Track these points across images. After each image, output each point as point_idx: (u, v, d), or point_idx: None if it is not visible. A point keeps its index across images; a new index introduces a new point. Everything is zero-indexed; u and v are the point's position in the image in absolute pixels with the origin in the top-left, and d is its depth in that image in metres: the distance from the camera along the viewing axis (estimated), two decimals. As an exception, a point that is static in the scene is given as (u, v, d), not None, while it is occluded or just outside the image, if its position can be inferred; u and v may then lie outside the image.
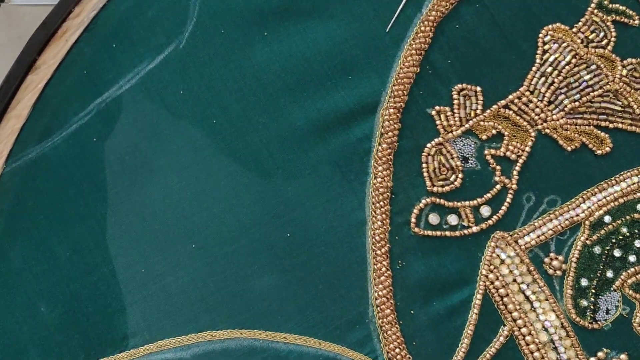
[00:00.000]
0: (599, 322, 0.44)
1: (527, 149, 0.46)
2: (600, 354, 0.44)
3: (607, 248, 0.45)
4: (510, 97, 0.46)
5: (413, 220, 0.45)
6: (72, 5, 0.48)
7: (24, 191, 0.46)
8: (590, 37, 0.47)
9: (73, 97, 0.47)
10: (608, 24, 0.47)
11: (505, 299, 0.45)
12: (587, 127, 0.46)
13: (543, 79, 0.46)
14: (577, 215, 0.45)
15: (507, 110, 0.46)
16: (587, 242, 0.45)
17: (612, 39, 0.47)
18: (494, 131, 0.46)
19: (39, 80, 0.47)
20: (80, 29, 0.48)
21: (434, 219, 0.45)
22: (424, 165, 0.46)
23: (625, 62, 0.47)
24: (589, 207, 0.45)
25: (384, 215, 0.45)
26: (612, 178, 0.46)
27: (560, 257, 0.45)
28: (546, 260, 0.45)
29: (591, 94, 0.46)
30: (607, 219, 0.45)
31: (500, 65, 0.46)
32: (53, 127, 0.47)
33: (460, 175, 0.45)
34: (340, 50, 0.46)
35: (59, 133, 0.47)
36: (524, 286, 0.45)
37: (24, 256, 0.45)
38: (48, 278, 0.45)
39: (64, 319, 0.44)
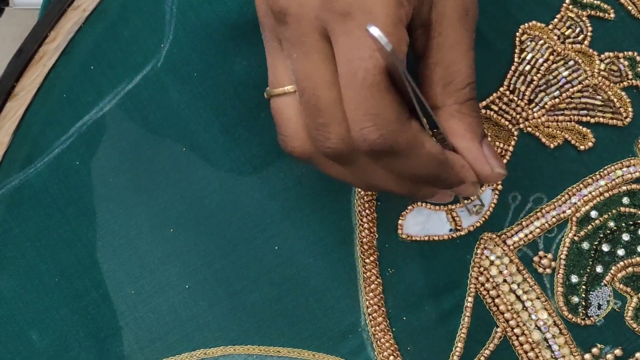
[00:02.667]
0: (591, 318, 0.44)
1: (511, 148, 0.46)
2: (594, 349, 0.44)
3: (596, 243, 0.45)
4: (491, 97, 0.46)
5: (400, 226, 0.45)
6: (48, 30, 0.48)
7: (9, 219, 0.46)
8: (567, 33, 0.47)
9: (53, 122, 0.47)
10: (584, 19, 0.47)
11: (496, 300, 0.45)
12: (568, 123, 0.46)
13: (522, 77, 0.46)
14: (564, 212, 0.45)
15: (488, 110, 0.46)
16: (575, 238, 0.45)
17: (589, 33, 0.47)
18: (476, 132, 0.46)
19: (18, 106, 0.47)
20: (57, 53, 0.48)
21: (421, 224, 0.45)
22: (409, 170, 0.46)
23: (602, 56, 0.47)
24: (575, 204, 0.45)
25: (370, 224, 0.45)
26: (597, 173, 0.46)
27: (549, 255, 0.45)
28: (535, 258, 0.45)
29: (570, 89, 0.46)
30: (593, 214, 0.45)
31: (478, 66, 0.46)
32: (35, 153, 0.46)
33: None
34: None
35: (42, 159, 0.46)
36: (514, 286, 0.45)
37: (12, 285, 0.45)
38: (38, 305, 0.45)
39: (56, 345, 0.44)
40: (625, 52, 0.47)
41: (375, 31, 0.31)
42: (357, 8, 0.34)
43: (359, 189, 0.45)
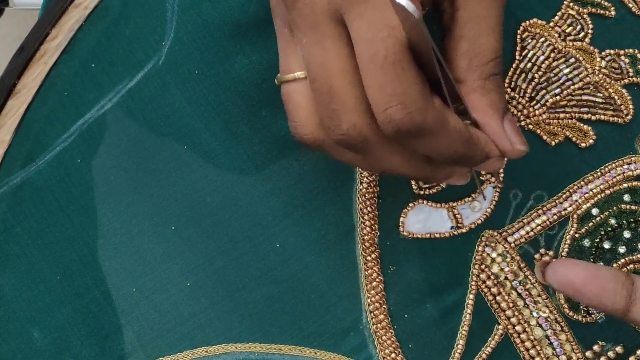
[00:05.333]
0: (592, 315, 0.45)
1: (512, 145, 0.46)
2: (595, 347, 0.44)
3: (597, 240, 0.45)
4: (492, 95, 0.46)
5: (401, 224, 0.45)
6: (49, 28, 0.48)
7: (10, 217, 0.46)
8: (568, 30, 0.47)
9: (55, 120, 0.47)
10: (584, 16, 0.47)
11: (497, 298, 0.45)
12: (569, 120, 0.46)
13: (523, 75, 0.46)
14: (565, 209, 0.45)
15: (489, 108, 0.46)
16: (576, 235, 0.45)
17: (590, 31, 0.47)
18: (477, 130, 0.46)
19: (19, 104, 0.47)
20: (58, 51, 0.48)
21: (422, 221, 0.45)
22: (410, 168, 0.46)
23: (603, 53, 0.47)
24: (576, 201, 0.46)
25: (372, 221, 0.45)
26: (597, 170, 0.46)
27: (551, 252, 0.45)
28: (537, 256, 0.45)
29: (571, 87, 0.46)
30: (594, 211, 0.45)
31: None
32: (36, 151, 0.46)
33: (446, 176, 0.45)
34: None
35: (43, 157, 0.46)
36: (515, 283, 0.45)
37: (14, 283, 0.45)
38: (39, 303, 0.45)
39: (57, 343, 0.44)
40: (626, 50, 0.47)
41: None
42: None
43: (361, 188, 0.45)
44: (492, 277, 0.45)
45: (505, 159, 0.39)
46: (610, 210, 0.45)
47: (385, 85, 0.34)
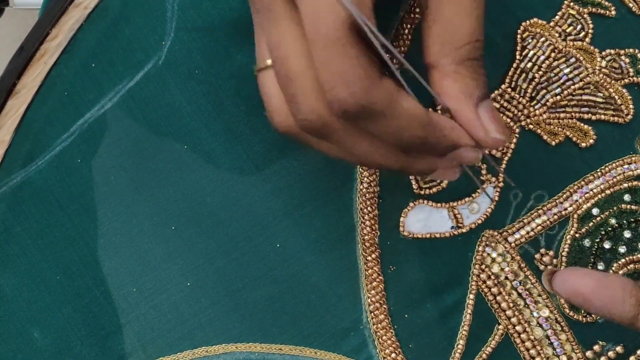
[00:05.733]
0: (593, 315, 0.44)
1: (512, 145, 0.46)
2: (596, 347, 0.44)
3: (597, 240, 0.45)
4: (492, 95, 0.46)
5: (402, 223, 0.45)
6: (49, 28, 0.48)
7: (10, 217, 0.46)
8: (568, 30, 0.47)
9: (55, 120, 0.47)
10: (585, 16, 0.47)
11: (498, 298, 0.45)
12: (570, 120, 0.46)
13: (523, 75, 0.46)
14: (565, 209, 0.45)
15: (489, 108, 0.46)
16: (577, 235, 0.45)
17: (590, 31, 0.47)
18: (477, 130, 0.46)
19: (19, 104, 0.47)
20: (58, 50, 0.48)
21: (423, 221, 0.45)
22: (410, 168, 0.46)
23: (604, 53, 0.47)
24: (576, 201, 0.45)
25: (372, 221, 0.45)
26: (598, 170, 0.46)
27: (551, 252, 0.45)
28: (537, 256, 0.45)
29: (572, 87, 0.46)
30: (595, 211, 0.45)
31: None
32: (36, 151, 0.46)
33: (446, 176, 0.45)
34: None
35: (43, 156, 0.46)
36: (516, 283, 0.45)
37: (14, 283, 0.45)
38: (39, 303, 0.45)
39: (58, 343, 0.44)
40: (626, 50, 0.47)
41: None
42: None
43: (361, 187, 0.45)
44: (493, 277, 0.45)
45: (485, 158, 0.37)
46: (611, 210, 0.45)
47: (328, 64, 0.33)
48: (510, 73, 0.46)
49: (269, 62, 0.37)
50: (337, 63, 0.33)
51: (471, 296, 0.45)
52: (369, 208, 0.45)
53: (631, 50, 0.47)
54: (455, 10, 0.36)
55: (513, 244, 0.45)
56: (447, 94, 0.36)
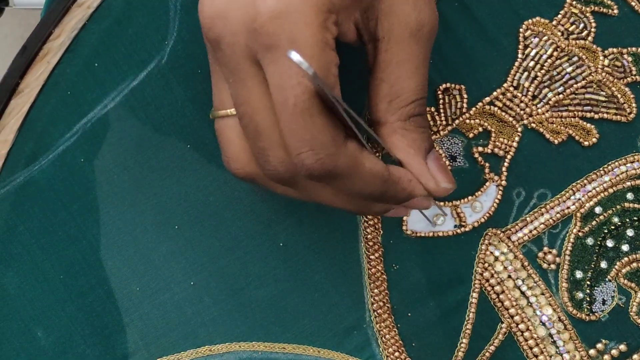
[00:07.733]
0: (596, 314, 0.45)
1: (515, 144, 0.46)
2: (599, 345, 0.44)
3: (600, 239, 0.45)
4: (495, 93, 0.46)
5: (405, 222, 0.45)
6: (52, 27, 0.48)
7: (13, 216, 0.46)
8: (570, 29, 0.47)
9: (58, 119, 0.47)
10: (587, 15, 0.47)
11: (501, 296, 0.45)
12: (572, 119, 0.46)
13: (526, 73, 0.46)
14: (568, 207, 0.45)
15: (492, 107, 0.46)
16: (580, 234, 0.45)
17: (592, 29, 0.47)
18: (480, 128, 0.46)
19: (22, 104, 0.47)
20: (61, 50, 0.48)
21: (426, 219, 0.46)
22: (413, 166, 0.46)
23: (606, 52, 0.47)
24: (579, 199, 0.46)
25: (375, 220, 0.45)
26: (601, 168, 0.46)
27: (554, 251, 0.45)
28: (540, 254, 0.45)
29: (574, 85, 0.46)
30: (597, 209, 0.45)
31: (482, 62, 0.46)
32: (39, 150, 0.46)
33: (449, 175, 0.45)
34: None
35: (46, 156, 0.46)
36: (519, 282, 0.45)
37: (17, 282, 0.45)
38: (43, 302, 0.45)
39: (61, 342, 0.44)
40: (629, 48, 0.47)
41: (295, 57, 0.31)
42: (282, 37, 0.34)
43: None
44: (496, 275, 0.45)
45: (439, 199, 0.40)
46: (614, 209, 0.45)
47: (295, 131, 0.35)
48: (512, 72, 0.46)
49: (230, 111, 0.39)
50: (304, 131, 0.34)
51: (474, 295, 0.45)
52: (371, 207, 0.45)
53: (634, 48, 0.47)
54: (403, 72, 0.38)
55: (516, 243, 0.45)
56: (397, 147, 0.39)
